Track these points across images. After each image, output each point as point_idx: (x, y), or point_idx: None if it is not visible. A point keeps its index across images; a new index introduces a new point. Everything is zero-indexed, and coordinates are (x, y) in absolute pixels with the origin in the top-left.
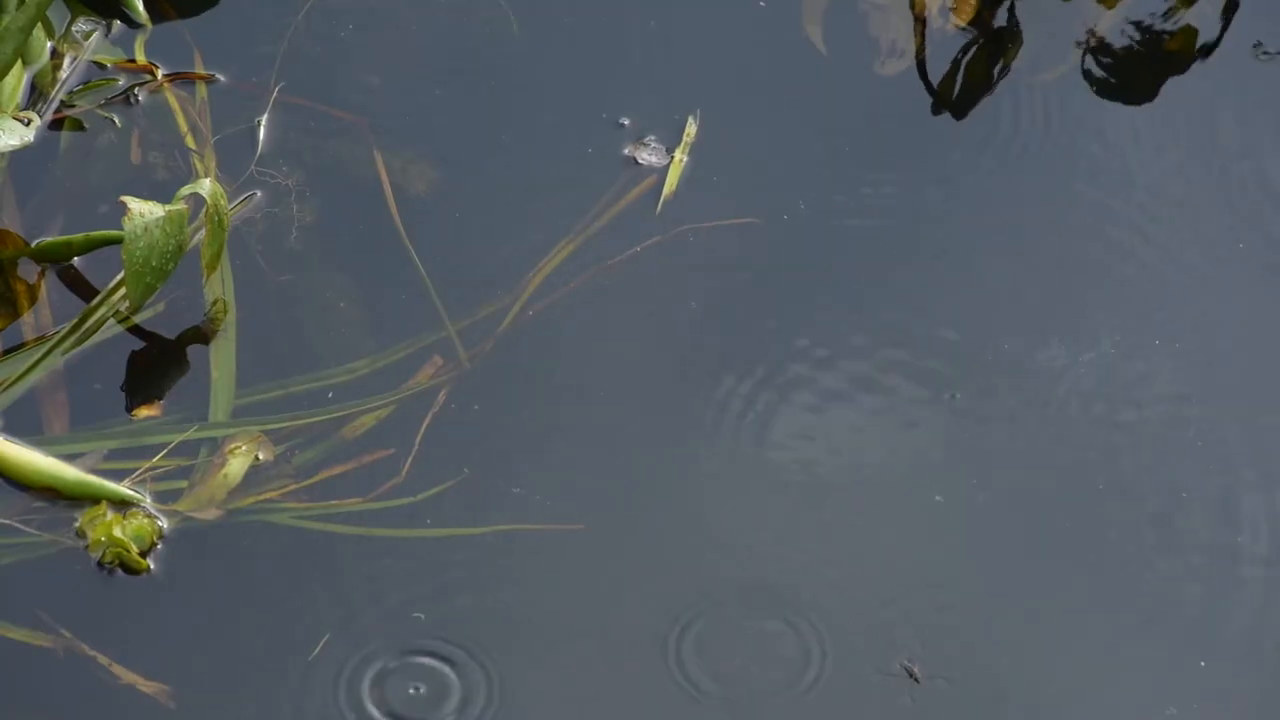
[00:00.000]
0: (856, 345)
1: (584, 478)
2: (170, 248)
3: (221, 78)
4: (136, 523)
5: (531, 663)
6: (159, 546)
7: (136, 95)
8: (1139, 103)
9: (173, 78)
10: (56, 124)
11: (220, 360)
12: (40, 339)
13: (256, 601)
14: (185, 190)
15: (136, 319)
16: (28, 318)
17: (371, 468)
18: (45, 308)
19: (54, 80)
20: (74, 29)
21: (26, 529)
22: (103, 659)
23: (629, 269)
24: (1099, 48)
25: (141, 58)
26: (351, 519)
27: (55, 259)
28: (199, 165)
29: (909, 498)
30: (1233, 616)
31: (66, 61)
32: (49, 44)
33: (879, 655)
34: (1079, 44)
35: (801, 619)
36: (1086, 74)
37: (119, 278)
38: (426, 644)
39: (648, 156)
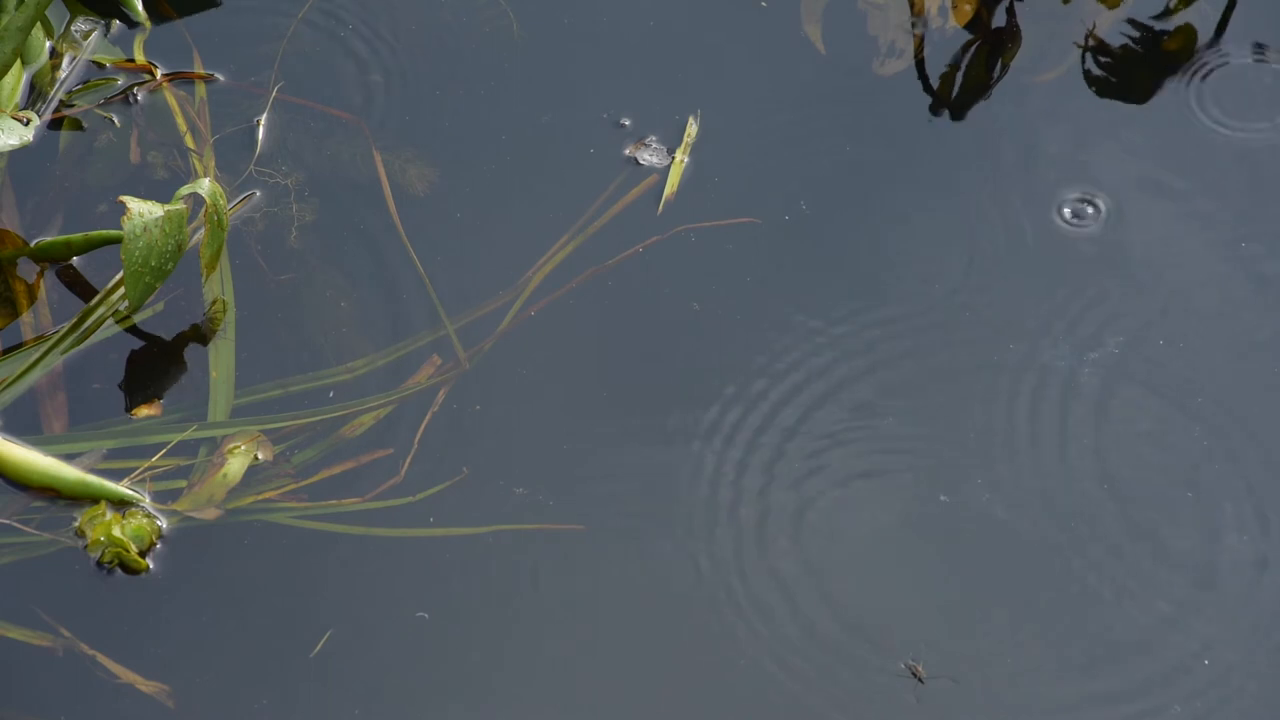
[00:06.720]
0: (857, 345)
1: (583, 477)
2: (169, 247)
3: (221, 77)
4: (136, 522)
5: None
6: (158, 546)
7: (135, 95)
8: (1138, 102)
9: (172, 77)
10: (56, 124)
11: (220, 360)
12: (39, 339)
13: (256, 601)
14: (184, 190)
15: (136, 319)
16: (27, 317)
17: (371, 467)
18: (44, 307)
19: (53, 80)
20: (73, 28)
21: (26, 529)
22: (102, 659)
23: (629, 269)
24: (1098, 48)
25: (140, 57)
26: (351, 519)
27: (54, 259)
28: (198, 165)
29: (910, 496)
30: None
31: (65, 61)
32: (48, 43)
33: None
34: (1078, 44)
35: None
36: (1086, 74)
37: (118, 277)
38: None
39: (649, 157)
